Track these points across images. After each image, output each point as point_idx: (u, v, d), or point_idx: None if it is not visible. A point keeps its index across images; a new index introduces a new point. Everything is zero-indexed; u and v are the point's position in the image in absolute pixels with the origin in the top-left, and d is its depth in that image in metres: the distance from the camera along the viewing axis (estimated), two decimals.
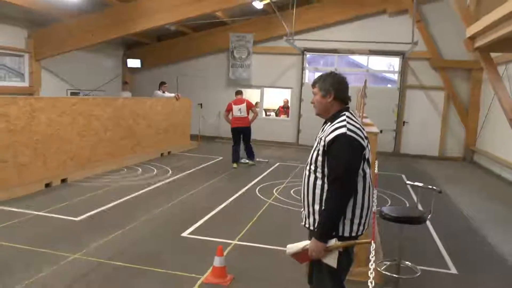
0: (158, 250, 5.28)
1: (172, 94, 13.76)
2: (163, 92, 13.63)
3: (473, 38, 9.73)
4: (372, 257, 2.77)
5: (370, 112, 9.48)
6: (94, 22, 12.47)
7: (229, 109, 11.53)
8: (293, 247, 3.03)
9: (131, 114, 11.01)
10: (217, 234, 5.91)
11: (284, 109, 17.31)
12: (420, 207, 5.05)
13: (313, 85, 3.11)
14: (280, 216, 7.03)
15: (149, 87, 15.14)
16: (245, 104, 11.39)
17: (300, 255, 3.02)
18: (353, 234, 2.92)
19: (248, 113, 11.41)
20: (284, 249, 3.11)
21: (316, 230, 2.89)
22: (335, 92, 3.01)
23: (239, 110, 11.41)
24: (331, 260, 2.88)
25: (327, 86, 3.02)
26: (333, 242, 2.84)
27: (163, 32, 16.06)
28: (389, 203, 8.01)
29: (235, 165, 11.22)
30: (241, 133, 11.43)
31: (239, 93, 11.80)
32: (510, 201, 9.23)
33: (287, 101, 17.07)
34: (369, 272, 2.57)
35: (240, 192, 8.43)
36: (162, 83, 13.84)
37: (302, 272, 4.56)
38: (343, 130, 2.84)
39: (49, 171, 8.21)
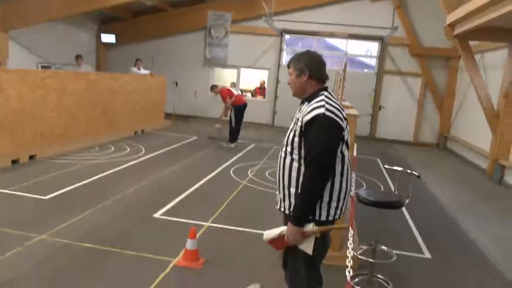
0: (129, 231, 5.12)
1: (147, 71, 13.52)
2: (138, 69, 13.39)
3: (452, 25, 9.75)
4: (350, 243, 2.68)
5: (347, 96, 9.43)
6: None
7: (231, 94, 11.42)
8: (270, 233, 2.91)
9: (105, 90, 10.70)
10: (189, 215, 5.77)
11: (260, 90, 17.16)
12: (396, 192, 5.01)
13: (288, 65, 2.98)
14: (255, 198, 6.93)
15: (124, 64, 14.77)
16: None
17: (277, 242, 2.91)
18: (330, 218, 2.81)
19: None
20: (259, 231, 3.01)
21: (292, 214, 2.78)
22: (309, 71, 2.87)
23: (236, 90, 11.78)
24: (307, 247, 2.78)
25: (301, 65, 2.89)
26: (310, 226, 2.73)
27: (140, 8, 15.61)
28: (364, 187, 8.00)
29: (233, 145, 11.30)
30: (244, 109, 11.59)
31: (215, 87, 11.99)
32: (481, 187, 9.36)
33: (264, 82, 16.93)
34: (347, 260, 2.47)
35: (214, 173, 8.29)
36: (137, 60, 13.63)
37: (275, 255, 4.49)
38: (321, 110, 2.71)
39: (17, 148, 7.90)
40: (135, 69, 13.33)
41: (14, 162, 7.70)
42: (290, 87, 2.99)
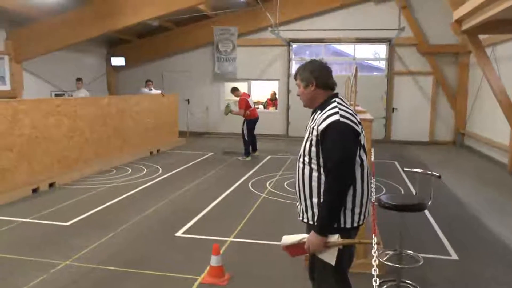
0: (152, 252, 5.12)
1: (158, 91, 13.64)
2: (149, 89, 13.53)
3: (460, 21, 9.65)
4: (374, 251, 2.64)
5: (359, 100, 9.39)
6: (74, 20, 12.12)
7: (248, 106, 11.59)
8: (289, 238, 2.88)
9: (117, 112, 10.80)
10: (211, 232, 5.76)
11: (272, 101, 17.17)
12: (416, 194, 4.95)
13: (295, 77, 2.98)
14: (275, 210, 6.90)
15: (134, 85, 14.93)
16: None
17: (294, 248, 2.88)
18: (355, 224, 2.79)
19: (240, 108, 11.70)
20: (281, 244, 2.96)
21: (316, 224, 2.75)
22: (316, 80, 2.86)
23: (252, 102, 11.88)
24: (329, 257, 2.74)
25: (307, 75, 2.88)
26: (335, 238, 2.69)
27: (146, 29, 15.78)
28: (384, 191, 7.92)
29: (248, 158, 11.43)
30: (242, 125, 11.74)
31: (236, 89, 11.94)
32: (503, 183, 9.20)
33: (274, 93, 16.94)
34: (373, 269, 2.43)
35: (232, 188, 8.28)
36: (147, 81, 13.78)
37: (301, 267, 4.46)
38: (336, 117, 2.70)
39: (35, 175, 7.99)
40: (146, 90, 13.47)
41: (34, 191, 7.78)
42: (300, 99, 2.99)
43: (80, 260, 4.82)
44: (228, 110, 11.63)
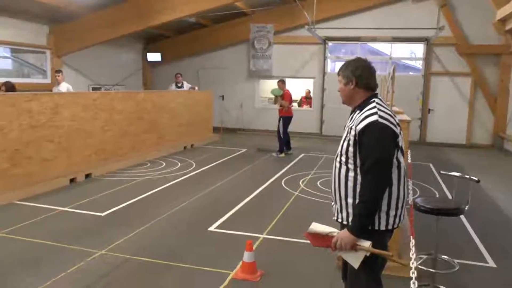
0: (184, 245, 5.20)
1: (189, 85, 13.62)
2: (179, 83, 13.38)
3: (503, 20, 9.39)
4: (413, 254, 2.61)
5: (394, 100, 9.29)
6: (114, 16, 12.41)
7: (291, 101, 11.82)
8: (319, 227, 2.85)
9: (153, 107, 10.97)
10: (244, 228, 5.80)
11: (306, 100, 17.11)
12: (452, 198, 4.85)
13: (338, 72, 2.96)
14: (308, 208, 6.88)
15: (170, 81, 15.11)
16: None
17: (319, 238, 2.84)
18: (389, 227, 2.76)
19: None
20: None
21: (350, 223, 2.73)
22: (356, 79, 2.84)
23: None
24: (354, 260, 2.71)
25: (349, 73, 2.86)
26: (367, 244, 2.66)
27: (183, 25, 15.96)
28: (418, 194, 7.79)
29: (282, 155, 11.55)
30: (279, 122, 11.79)
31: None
32: None
33: (309, 91, 16.88)
34: (411, 271, 2.41)
35: (265, 185, 8.30)
36: (176, 74, 13.64)
37: (333, 267, 4.44)
38: (374, 117, 2.67)
39: (73, 166, 8.22)
40: (173, 86, 13.39)
41: (71, 180, 8.00)
42: (340, 95, 2.97)
43: (115, 250, 4.93)
44: (278, 93, 11.57)
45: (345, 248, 2.69)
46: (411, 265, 2.50)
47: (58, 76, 10.23)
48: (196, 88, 13.92)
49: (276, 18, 15.69)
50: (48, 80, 12.48)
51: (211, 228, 5.80)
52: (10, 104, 6.89)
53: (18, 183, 7.00)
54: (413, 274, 2.39)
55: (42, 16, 12.05)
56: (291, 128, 11.81)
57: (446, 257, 4.50)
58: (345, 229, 2.71)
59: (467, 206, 4.09)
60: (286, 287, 4.21)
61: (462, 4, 14.13)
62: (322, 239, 2.83)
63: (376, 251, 2.67)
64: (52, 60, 12.60)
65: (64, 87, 10.07)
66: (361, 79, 2.85)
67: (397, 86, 10.56)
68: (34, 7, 11.22)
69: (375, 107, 2.75)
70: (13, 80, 9.43)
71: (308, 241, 2.93)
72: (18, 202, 6.71)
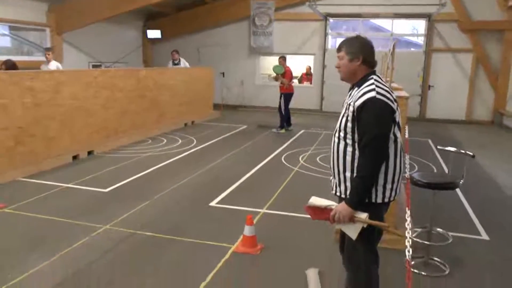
0: (187, 220, 5.32)
1: (186, 63, 13.34)
2: (176, 60, 13.11)
3: None
4: (408, 224, 2.71)
5: (394, 77, 9.32)
6: None
7: (292, 78, 11.92)
8: (318, 201, 2.95)
9: (154, 85, 11.00)
10: (244, 203, 5.92)
11: (307, 76, 17.11)
12: (449, 173, 4.94)
13: (339, 49, 2.96)
14: (308, 184, 6.99)
15: (170, 58, 15.08)
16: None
17: (318, 211, 2.94)
18: (386, 200, 2.85)
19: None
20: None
21: (348, 197, 2.83)
22: (363, 56, 2.88)
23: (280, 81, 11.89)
24: (351, 231, 2.81)
25: (355, 49, 2.89)
26: (364, 216, 2.76)
27: (183, 2, 15.86)
28: (416, 169, 7.89)
29: (283, 131, 11.69)
30: (280, 98, 11.87)
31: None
32: None
33: (310, 68, 16.86)
34: (406, 240, 2.51)
35: (265, 161, 8.41)
36: (172, 51, 13.25)
37: (331, 240, 4.56)
38: (372, 94, 2.74)
39: (76, 144, 8.31)
40: (170, 64, 13.12)
41: (74, 158, 8.11)
42: (339, 71, 2.99)
43: (119, 225, 5.05)
44: (279, 71, 11.57)
45: (343, 220, 2.79)
46: (406, 235, 2.60)
47: (48, 54, 10.09)
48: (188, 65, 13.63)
49: None
50: None
51: (212, 204, 5.92)
52: (13, 82, 6.93)
53: (22, 161, 7.10)
54: (408, 242, 2.48)
55: None
56: (291, 104, 11.87)
57: (441, 230, 4.61)
58: (343, 202, 2.81)
59: (462, 181, 4.18)
60: (286, 259, 4.33)
61: None
62: (321, 212, 2.93)
63: (373, 222, 2.77)
64: (52, 38, 12.59)
65: (53, 65, 9.95)
66: (368, 57, 2.90)
67: (398, 62, 10.58)
68: None
69: (373, 83, 2.81)
70: (13, 58, 9.45)
71: (308, 215, 3.03)
72: (22, 179, 6.82)
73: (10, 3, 11.25)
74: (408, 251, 2.40)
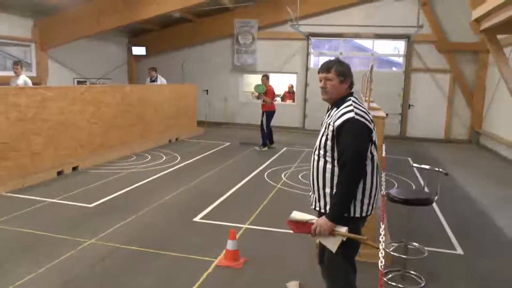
0: (171, 235, 5.42)
1: (164, 81, 13.16)
2: (151, 77, 12.98)
3: (479, 20, 9.73)
4: (382, 237, 2.88)
5: (375, 96, 9.56)
6: (99, 10, 12.48)
7: (274, 97, 12.11)
8: (299, 215, 3.10)
9: (139, 101, 11.12)
10: (228, 218, 6.04)
11: (289, 94, 17.37)
12: (426, 190, 5.14)
13: (327, 69, 3.07)
14: (290, 200, 7.15)
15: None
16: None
17: (299, 225, 3.09)
18: (363, 214, 3.02)
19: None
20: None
21: (328, 211, 2.98)
22: (351, 79, 3.11)
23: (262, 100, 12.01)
24: (332, 244, 2.96)
25: (346, 72, 3.08)
26: (343, 229, 2.91)
27: (167, 19, 16.04)
28: (395, 186, 8.11)
29: (265, 149, 11.84)
30: (262, 116, 12.03)
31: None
32: None
33: (292, 86, 17.13)
34: (379, 252, 2.67)
35: (249, 177, 8.55)
36: (149, 69, 13.15)
37: (311, 254, 4.71)
38: (351, 114, 2.93)
39: (61, 159, 8.35)
40: (147, 80, 13.04)
41: (59, 173, 8.15)
42: (324, 91, 3.11)
43: (104, 239, 5.14)
44: (261, 90, 11.76)
45: (324, 233, 2.95)
46: (380, 247, 2.76)
47: (17, 68, 9.49)
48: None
49: (259, 14, 15.88)
50: (33, 74, 12.50)
51: (197, 219, 6.03)
52: None
53: (7, 176, 7.13)
54: (381, 254, 2.64)
55: (26, 9, 12.04)
56: (274, 122, 12.07)
57: (417, 244, 4.80)
58: (324, 216, 2.96)
59: (436, 197, 4.38)
60: (268, 273, 4.46)
61: (442, 2, 14.49)
62: (302, 226, 3.09)
63: (352, 235, 2.93)
64: (37, 53, 12.63)
65: (21, 79, 9.54)
66: (352, 80, 3.13)
67: (379, 82, 10.89)
68: (19, 0, 11.24)
69: (351, 104, 3.01)
70: None
71: (290, 230, 3.19)
72: (7, 194, 6.85)
73: None
74: (381, 262, 2.56)
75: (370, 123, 3.01)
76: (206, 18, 16.27)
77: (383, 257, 2.60)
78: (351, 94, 3.12)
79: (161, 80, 13.19)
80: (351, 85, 3.12)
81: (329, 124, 3.02)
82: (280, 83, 17.42)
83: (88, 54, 14.78)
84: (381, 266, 2.56)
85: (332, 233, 2.93)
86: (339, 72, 3.06)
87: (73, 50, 13.74)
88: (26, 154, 7.56)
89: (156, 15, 12.99)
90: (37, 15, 12.49)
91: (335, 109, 3.06)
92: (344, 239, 2.93)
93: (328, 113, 3.14)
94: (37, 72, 12.65)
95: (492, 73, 13.88)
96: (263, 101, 11.79)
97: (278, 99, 17.31)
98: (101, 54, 15.77)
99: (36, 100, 7.75)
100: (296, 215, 3.12)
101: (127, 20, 12.86)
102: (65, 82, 13.23)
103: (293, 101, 16.95)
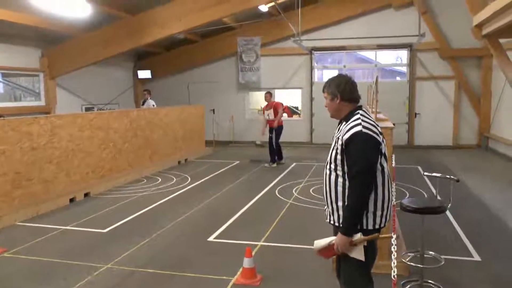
0: (186, 256, 5.44)
1: (151, 103, 13.02)
2: (145, 99, 13.04)
3: (480, 25, 9.77)
4: (393, 247, 2.89)
5: (381, 106, 9.59)
6: (105, 36, 12.70)
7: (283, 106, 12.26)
8: (320, 242, 3.16)
9: (147, 124, 11.23)
10: (242, 236, 6.06)
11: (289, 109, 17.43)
12: (439, 198, 5.13)
13: (323, 90, 3.27)
14: (302, 215, 7.15)
15: (161, 97, 15.39)
16: (271, 109, 11.87)
17: (326, 250, 3.15)
18: (377, 226, 3.04)
19: (276, 115, 11.88)
20: (309, 247, 3.22)
21: (341, 225, 3.02)
22: (341, 94, 3.15)
23: (267, 115, 11.96)
24: (358, 254, 3.00)
25: (332, 89, 3.18)
26: (358, 236, 2.96)
27: (172, 41, 16.27)
28: (407, 195, 8.09)
29: (274, 165, 11.84)
30: (270, 133, 12.01)
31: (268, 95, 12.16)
32: None
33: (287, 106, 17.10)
34: (392, 263, 2.68)
35: (260, 195, 8.57)
36: (143, 91, 13.13)
37: (328, 268, 4.71)
38: (358, 128, 2.97)
39: (72, 185, 8.45)
40: (141, 102, 13.01)
41: (71, 200, 8.21)
42: (328, 110, 3.28)
43: (120, 263, 5.16)
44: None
45: (346, 249, 2.99)
46: (392, 258, 2.77)
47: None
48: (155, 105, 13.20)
49: (262, 31, 16.07)
50: (42, 103, 12.71)
51: (211, 239, 6.05)
52: (12, 128, 7.13)
53: (20, 205, 7.21)
54: (393, 264, 2.66)
55: (34, 39, 12.30)
56: (281, 138, 12.10)
57: (433, 253, 4.78)
58: (339, 233, 3.00)
59: (449, 204, 4.38)
60: None
61: (443, 9, 14.57)
62: (328, 250, 3.14)
63: (368, 237, 2.98)
64: (46, 82, 12.83)
65: (150, 103, 10.33)
66: (345, 94, 3.17)
67: (384, 92, 10.92)
68: (26, 31, 11.48)
69: (359, 118, 3.06)
70: (4, 104, 9.50)
71: (314, 250, 3.22)
72: (20, 223, 6.91)
73: (3, 49, 11.53)
74: (393, 271, 2.58)
75: (379, 136, 3.04)
76: (210, 38, 16.49)
77: (395, 267, 2.61)
78: (359, 108, 3.17)
79: (148, 104, 12.98)
80: (350, 100, 3.17)
81: (338, 138, 3.08)
82: (287, 98, 17.41)
83: (95, 80, 14.99)
84: (393, 276, 2.57)
85: (352, 245, 2.98)
86: (329, 92, 3.21)
87: (80, 77, 13.94)
88: (39, 181, 7.65)
89: (159, 38, 13.16)
90: (45, 44, 12.74)
91: (344, 123, 3.12)
92: (365, 244, 2.98)
93: (338, 127, 3.20)
94: (45, 101, 12.85)
95: (497, 77, 13.86)
96: (274, 118, 11.80)
97: (285, 114, 17.40)
98: (107, 79, 15.99)
99: (47, 129, 7.88)
100: (318, 244, 3.17)
101: (132, 45, 13.04)
102: (73, 109, 13.40)
103: (299, 116, 16.99)
